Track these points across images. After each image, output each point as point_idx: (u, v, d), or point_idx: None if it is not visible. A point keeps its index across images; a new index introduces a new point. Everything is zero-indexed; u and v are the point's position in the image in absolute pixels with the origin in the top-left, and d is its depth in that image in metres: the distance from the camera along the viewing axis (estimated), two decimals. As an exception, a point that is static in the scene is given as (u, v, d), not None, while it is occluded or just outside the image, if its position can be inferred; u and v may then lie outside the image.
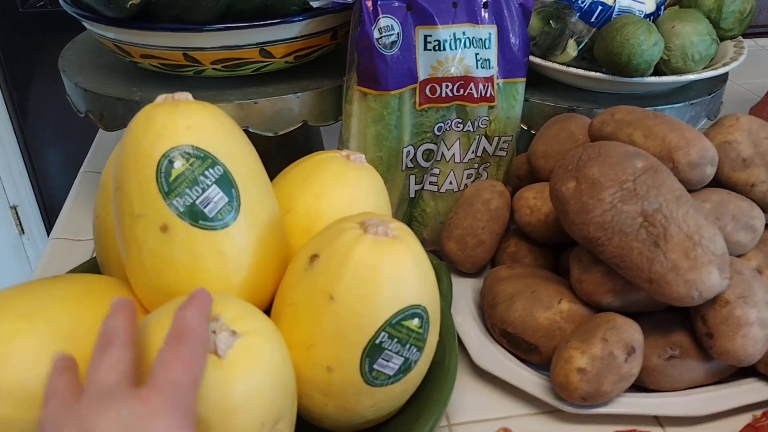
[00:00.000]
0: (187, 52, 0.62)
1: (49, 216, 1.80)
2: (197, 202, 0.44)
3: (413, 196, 0.69)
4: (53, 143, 1.71)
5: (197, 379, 0.33)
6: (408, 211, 0.70)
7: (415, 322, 0.44)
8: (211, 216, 0.44)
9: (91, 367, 0.33)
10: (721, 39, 0.74)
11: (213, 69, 0.64)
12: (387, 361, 0.44)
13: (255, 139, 0.50)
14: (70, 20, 0.69)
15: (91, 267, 0.58)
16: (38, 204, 1.78)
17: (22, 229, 1.78)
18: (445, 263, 0.65)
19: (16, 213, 1.75)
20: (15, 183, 1.71)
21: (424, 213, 0.70)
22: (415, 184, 0.68)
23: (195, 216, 0.44)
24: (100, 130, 1.01)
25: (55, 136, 1.70)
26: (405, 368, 0.45)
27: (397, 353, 0.44)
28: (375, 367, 0.44)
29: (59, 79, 0.72)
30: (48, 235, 1.80)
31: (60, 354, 0.36)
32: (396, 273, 0.43)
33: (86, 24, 0.66)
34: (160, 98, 0.46)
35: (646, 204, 0.50)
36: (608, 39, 0.66)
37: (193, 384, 0.32)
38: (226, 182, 0.45)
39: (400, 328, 0.44)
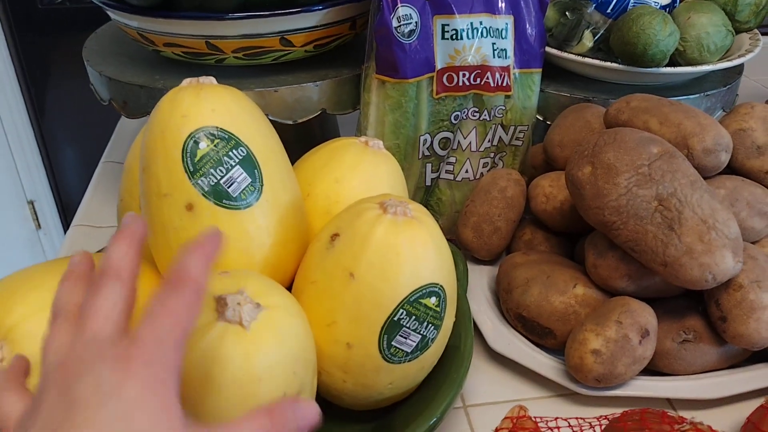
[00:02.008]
0: (210, 41, 0.63)
1: (65, 211, 1.82)
2: (221, 182, 0.45)
3: (429, 184, 0.70)
4: (70, 139, 1.73)
5: (186, 332, 0.31)
6: (424, 199, 0.71)
7: (433, 300, 0.45)
8: (234, 196, 0.46)
9: (87, 307, 0.31)
10: (737, 31, 0.74)
11: (234, 57, 0.66)
12: (405, 338, 0.45)
13: (273, 128, 0.51)
14: (88, 17, 0.70)
15: (115, 249, 0.60)
16: (55, 199, 1.80)
17: (39, 224, 1.80)
18: (461, 250, 0.65)
19: (33, 208, 1.77)
20: (32, 178, 1.73)
21: (440, 202, 0.71)
22: (432, 172, 0.69)
23: (219, 195, 0.45)
24: (119, 122, 1.03)
25: (72, 133, 1.72)
26: (422, 346, 0.46)
27: (414, 330, 0.45)
28: (393, 343, 0.45)
29: (77, 75, 0.74)
30: (64, 229, 1.83)
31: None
32: (414, 252, 0.44)
33: (111, 13, 0.67)
34: (185, 82, 0.48)
35: (661, 188, 0.51)
36: (624, 29, 0.66)
37: (180, 338, 0.31)
38: (249, 163, 0.46)
39: (417, 305, 0.45)
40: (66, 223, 1.82)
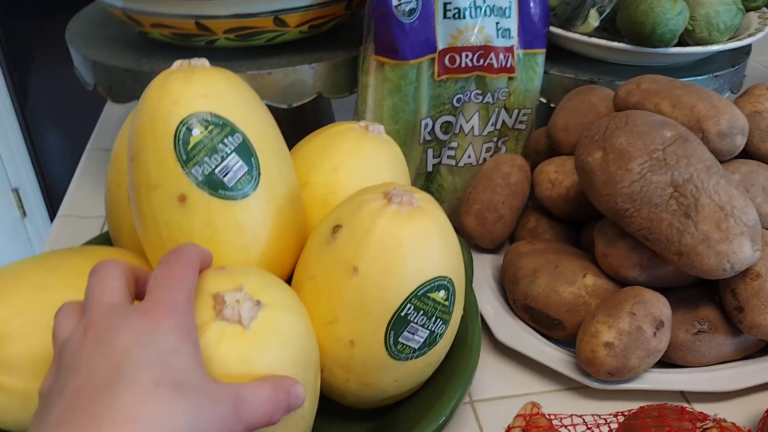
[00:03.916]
0: (200, 21, 0.60)
1: (51, 198, 1.79)
2: (216, 170, 0.43)
3: (431, 170, 0.67)
4: (55, 125, 1.70)
5: (191, 295, 0.34)
6: (425, 185, 0.68)
7: (441, 294, 0.43)
8: (230, 185, 0.43)
9: (90, 289, 0.33)
10: (746, 10, 0.72)
11: (226, 39, 0.62)
12: (412, 334, 0.43)
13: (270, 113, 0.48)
14: (70, 1, 0.67)
15: (103, 241, 0.57)
16: (40, 186, 1.76)
17: (24, 212, 1.77)
18: (464, 239, 0.63)
19: (18, 195, 1.74)
20: (16, 165, 1.70)
21: (442, 188, 0.69)
22: (433, 158, 0.66)
23: (214, 185, 0.43)
24: (105, 107, 1.00)
25: (57, 118, 1.68)
26: (430, 342, 0.44)
27: (422, 326, 0.43)
28: (400, 340, 0.43)
29: (60, 60, 0.71)
30: (50, 216, 1.80)
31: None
32: (421, 244, 0.42)
33: (94, -7, 0.64)
34: (176, 64, 0.45)
35: (677, 174, 0.49)
36: (632, 8, 0.64)
37: (188, 300, 0.33)
38: (246, 151, 0.44)
39: (426, 300, 0.42)
40: (52, 211, 1.79)
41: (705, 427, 0.39)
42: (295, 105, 0.65)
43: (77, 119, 1.44)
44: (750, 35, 0.69)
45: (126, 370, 0.28)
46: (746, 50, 0.75)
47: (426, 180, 0.68)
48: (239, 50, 0.65)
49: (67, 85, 1.37)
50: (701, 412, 0.43)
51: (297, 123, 0.74)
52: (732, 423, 0.40)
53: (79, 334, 0.31)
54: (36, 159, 1.73)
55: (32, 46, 1.58)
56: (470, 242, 0.64)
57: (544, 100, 0.71)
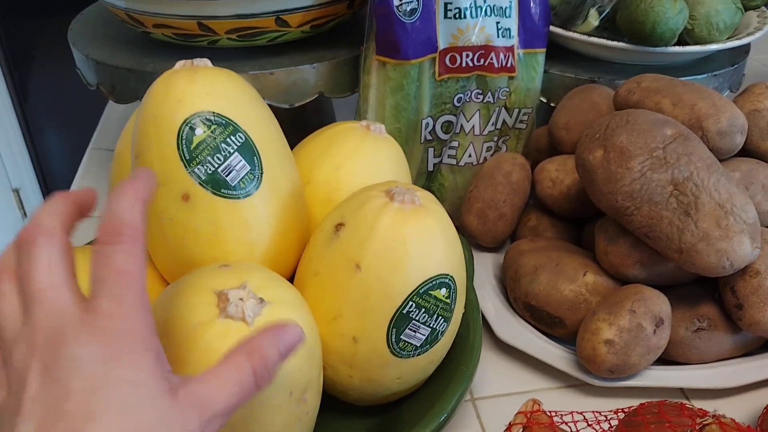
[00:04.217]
0: (202, 21, 0.61)
1: (52, 199, 1.78)
2: (219, 170, 0.43)
3: (431, 169, 0.67)
4: (56, 125, 1.70)
5: (143, 291, 0.29)
6: (426, 184, 0.68)
7: (443, 291, 0.43)
8: (233, 184, 0.43)
9: (28, 279, 0.28)
10: (745, 9, 0.72)
11: (228, 39, 0.63)
12: (414, 331, 0.43)
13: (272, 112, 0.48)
14: (72, 2, 0.67)
15: (106, 241, 0.57)
16: (40, 187, 1.76)
17: (25, 213, 1.77)
18: (465, 237, 0.63)
19: (18, 196, 1.74)
20: (17, 166, 1.70)
21: (443, 187, 0.69)
22: (434, 157, 0.67)
23: (217, 184, 0.43)
24: (107, 107, 1.00)
25: (58, 118, 1.68)
26: (432, 339, 0.44)
27: (424, 323, 0.43)
28: (402, 337, 0.43)
29: (61, 60, 0.71)
30: (52, 217, 1.80)
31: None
32: (423, 241, 0.42)
33: (97, -7, 0.65)
34: (179, 64, 0.45)
35: (677, 172, 0.49)
36: (632, 7, 0.64)
37: (141, 301, 0.28)
38: (248, 150, 0.44)
39: (428, 297, 0.43)
40: (53, 212, 1.79)
41: (704, 423, 0.40)
42: (297, 105, 0.65)
43: (78, 119, 1.44)
44: (749, 34, 0.69)
45: (83, 416, 0.26)
46: (745, 49, 0.76)
47: (427, 179, 0.68)
48: (241, 50, 0.66)
49: (68, 85, 1.37)
50: (701, 409, 0.43)
51: (299, 122, 0.74)
52: (731, 419, 0.41)
53: (21, 352, 0.27)
54: (37, 159, 1.73)
55: (33, 45, 1.58)
56: (472, 241, 0.65)
57: (544, 100, 0.72)
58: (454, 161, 0.68)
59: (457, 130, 0.66)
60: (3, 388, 0.28)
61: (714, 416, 0.40)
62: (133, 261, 0.28)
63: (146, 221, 0.30)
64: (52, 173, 1.76)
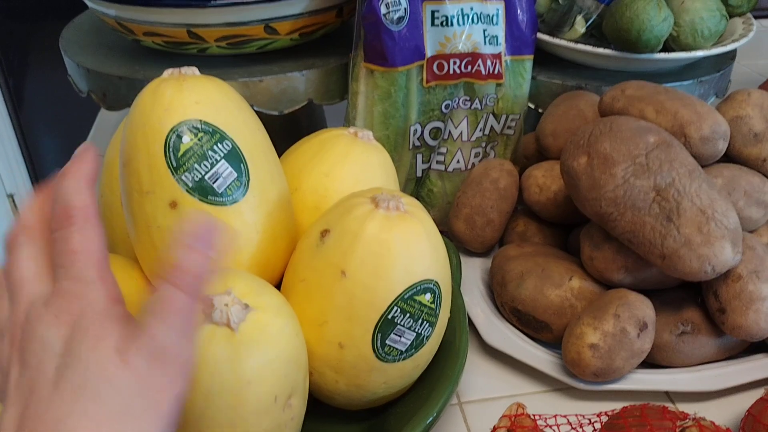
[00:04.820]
0: (191, 29, 0.61)
1: (46, 204, 1.79)
2: (206, 177, 0.43)
3: (420, 175, 0.68)
4: (50, 131, 1.70)
5: (101, 264, 0.29)
6: (415, 191, 0.69)
7: (428, 297, 0.44)
8: (220, 191, 0.44)
9: (12, 264, 0.30)
10: (730, 16, 0.73)
11: (217, 47, 0.63)
12: (399, 336, 0.44)
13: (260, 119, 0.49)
14: (66, 6, 0.67)
15: (97, 247, 0.58)
16: (34, 191, 1.76)
17: (20, 217, 1.76)
18: (453, 243, 0.64)
19: (13, 202, 1.74)
20: (12, 171, 1.70)
21: (431, 193, 0.70)
22: (422, 163, 0.67)
23: (204, 191, 0.43)
24: (100, 114, 1.01)
25: (52, 124, 1.68)
26: (417, 344, 0.45)
27: (409, 328, 0.44)
28: (387, 342, 0.44)
29: (56, 66, 0.72)
30: (46, 222, 1.80)
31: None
32: (408, 247, 0.43)
33: (88, 2, 0.65)
34: (167, 73, 0.46)
35: (659, 179, 0.50)
36: (617, 15, 0.65)
37: (99, 275, 0.29)
38: (235, 157, 0.44)
39: (412, 302, 0.43)
40: (47, 217, 1.79)
41: (685, 426, 0.40)
42: (286, 112, 0.66)
43: (72, 125, 1.44)
44: (734, 41, 0.70)
45: (47, 410, 0.27)
46: (731, 55, 0.76)
47: (416, 185, 0.69)
48: (231, 57, 0.66)
49: (63, 91, 1.37)
50: (682, 412, 0.44)
51: (290, 129, 0.75)
52: (711, 422, 0.41)
53: (7, 346, 0.29)
54: (31, 165, 1.73)
55: (27, 51, 1.58)
56: (460, 246, 0.65)
57: (532, 106, 0.72)
58: (442, 167, 0.68)
59: (446, 137, 0.67)
60: None
61: (694, 419, 0.41)
62: (86, 239, 0.29)
63: (95, 198, 0.30)
64: (47, 179, 1.76)
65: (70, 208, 0.29)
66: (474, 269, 0.64)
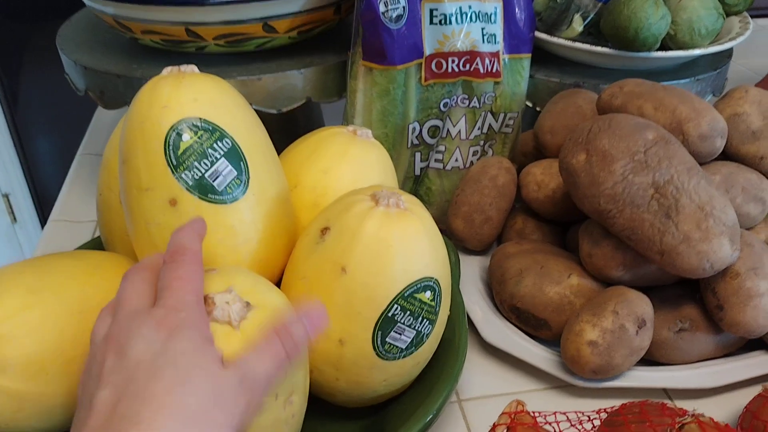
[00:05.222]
0: (190, 27, 0.61)
1: (42, 204, 1.78)
2: (206, 175, 0.43)
3: (418, 173, 0.68)
4: (45, 131, 1.69)
5: (200, 294, 0.36)
6: (413, 188, 0.69)
7: (428, 294, 0.44)
8: (220, 190, 0.44)
9: (118, 295, 0.37)
10: (727, 14, 0.73)
11: (215, 45, 0.63)
12: (399, 334, 0.44)
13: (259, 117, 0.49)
14: (63, 5, 0.67)
15: (94, 246, 0.58)
16: (30, 192, 1.76)
17: (15, 218, 1.76)
18: (452, 241, 0.64)
19: (8, 201, 1.73)
20: (7, 171, 1.69)
21: (430, 191, 0.70)
22: (421, 161, 0.67)
23: (204, 190, 0.43)
24: (96, 112, 1.00)
25: (47, 124, 1.68)
26: (417, 342, 0.45)
27: (409, 326, 0.44)
28: (387, 340, 0.44)
29: (51, 65, 0.71)
30: (41, 222, 1.79)
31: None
32: (408, 245, 0.43)
33: (86, 0, 0.65)
34: (166, 71, 0.45)
35: (658, 175, 0.50)
36: (615, 13, 0.65)
37: (197, 300, 0.35)
38: (235, 155, 0.44)
39: (412, 300, 0.43)
40: (43, 217, 1.79)
41: (684, 422, 0.40)
42: (285, 110, 0.66)
43: (68, 124, 1.44)
44: (731, 39, 0.71)
45: (146, 388, 0.31)
46: (728, 54, 0.77)
47: (414, 183, 0.69)
48: (229, 56, 0.66)
49: (58, 90, 1.37)
50: (681, 408, 0.44)
51: (289, 127, 0.75)
52: (710, 418, 0.41)
53: (103, 344, 0.34)
54: (26, 164, 1.73)
55: (23, 51, 1.58)
56: (458, 244, 0.65)
57: (530, 104, 0.72)
58: (441, 165, 0.68)
59: (444, 135, 0.67)
60: (86, 367, 0.35)
61: (693, 415, 0.41)
62: (191, 272, 0.36)
63: (201, 249, 0.38)
64: (42, 178, 1.76)
65: (183, 247, 0.37)
66: (473, 267, 0.64)
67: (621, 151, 0.51)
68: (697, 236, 0.49)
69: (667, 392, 0.54)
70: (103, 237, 0.55)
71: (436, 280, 0.44)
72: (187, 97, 0.44)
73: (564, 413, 0.47)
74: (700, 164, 0.54)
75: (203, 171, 0.43)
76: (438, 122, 0.65)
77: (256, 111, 0.64)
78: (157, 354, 0.32)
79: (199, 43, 0.63)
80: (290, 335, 0.36)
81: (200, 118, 0.43)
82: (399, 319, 0.43)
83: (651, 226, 0.49)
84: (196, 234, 0.38)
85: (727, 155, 0.58)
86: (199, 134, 0.43)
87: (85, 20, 0.77)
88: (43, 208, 1.78)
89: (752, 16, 0.79)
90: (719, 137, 0.54)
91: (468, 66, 0.63)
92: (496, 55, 0.64)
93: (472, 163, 0.69)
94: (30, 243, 1.79)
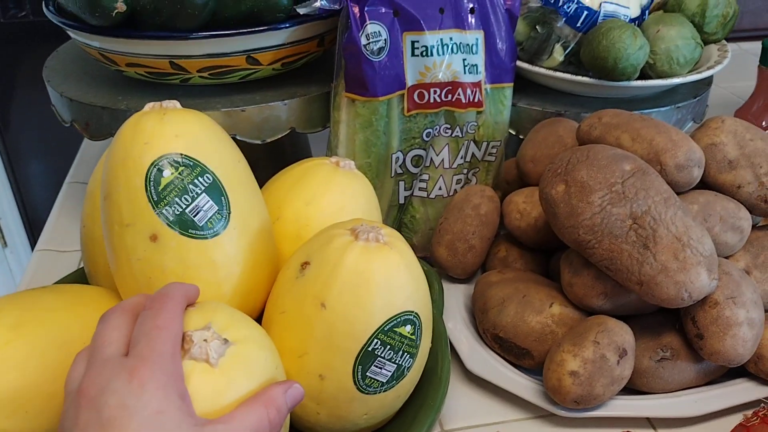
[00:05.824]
0: (174, 60, 0.62)
1: (33, 228, 1.78)
2: (187, 210, 0.44)
3: (403, 202, 0.69)
4: (36, 155, 1.69)
5: (177, 344, 0.36)
6: (398, 217, 0.70)
7: (408, 328, 0.44)
8: (201, 225, 0.44)
9: (93, 339, 0.36)
10: (705, 43, 0.74)
11: (200, 77, 0.64)
12: (380, 368, 0.44)
13: (242, 147, 0.50)
14: (53, 30, 0.68)
15: (78, 277, 0.58)
16: (21, 217, 1.75)
17: (5, 242, 1.75)
18: (436, 269, 0.64)
19: (-1, 227, 1.73)
20: (-2, 197, 1.69)
21: (414, 219, 0.70)
22: (405, 190, 0.68)
23: (185, 225, 0.44)
24: (85, 140, 1.01)
25: (38, 148, 1.68)
26: (398, 375, 0.45)
27: (390, 360, 0.44)
28: (368, 374, 0.44)
29: (42, 90, 0.72)
30: (31, 247, 1.78)
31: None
32: (388, 279, 0.43)
33: (71, 33, 0.66)
34: (148, 106, 0.46)
35: (635, 206, 0.50)
36: (594, 43, 0.66)
37: (173, 351, 0.35)
38: (216, 190, 0.45)
39: (392, 334, 0.43)
40: (33, 241, 1.78)
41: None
42: (269, 140, 0.66)
43: (59, 149, 1.44)
44: (710, 67, 0.72)
45: None
46: (708, 81, 0.78)
47: (398, 211, 0.69)
48: (213, 87, 0.67)
49: (49, 115, 1.38)
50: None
51: (275, 155, 0.76)
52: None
53: (77, 397, 0.34)
54: (17, 189, 1.73)
55: (14, 76, 1.58)
56: (442, 272, 0.66)
57: (513, 132, 0.73)
58: (425, 194, 0.69)
59: (427, 164, 0.67)
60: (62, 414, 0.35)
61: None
62: (167, 319, 0.36)
63: (185, 304, 0.39)
64: (33, 203, 1.76)
65: (167, 296, 0.37)
66: (457, 295, 0.64)
67: (599, 182, 0.51)
68: (675, 266, 0.49)
69: (651, 421, 0.54)
70: (87, 268, 0.55)
71: (416, 313, 0.44)
72: (169, 133, 0.44)
73: (545, 445, 0.47)
74: (679, 193, 0.55)
75: (184, 206, 0.44)
76: (421, 151, 0.66)
77: (241, 141, 0.65)
78: (131, 413, 0.32)
79: (184, 75, 0.64)
80: (275, 404, 0.37)
81: (181, 154, 0.44)
82: (379, 353, 0.43)
83: (629, 256, 0.50)
84: (184, 291, 0.39)
85: (705, 184, 0.58)
86: (179, 170, 0.44)
87: (71, 52, 0.78)
88: (34, 233, 1.78)
89: (735, 39, 0.81)
90: (696, 167, 0.55)
91: (450, 96, 0.64)
92: (478, 85, 0.65)
93: (456, 191, 0.70)
94: (20, 267, 1.78)
